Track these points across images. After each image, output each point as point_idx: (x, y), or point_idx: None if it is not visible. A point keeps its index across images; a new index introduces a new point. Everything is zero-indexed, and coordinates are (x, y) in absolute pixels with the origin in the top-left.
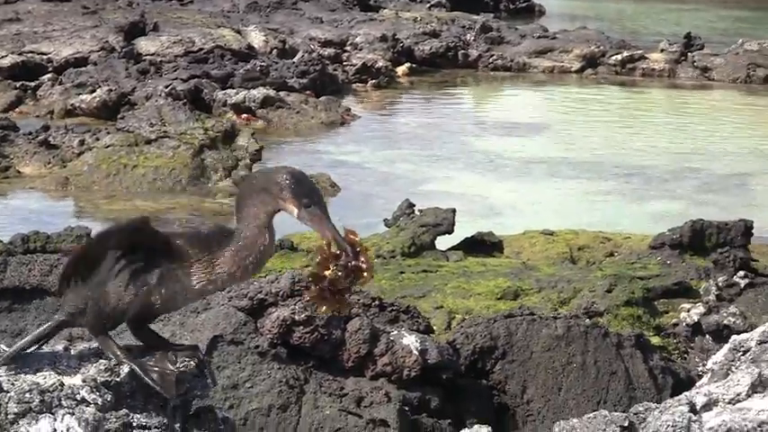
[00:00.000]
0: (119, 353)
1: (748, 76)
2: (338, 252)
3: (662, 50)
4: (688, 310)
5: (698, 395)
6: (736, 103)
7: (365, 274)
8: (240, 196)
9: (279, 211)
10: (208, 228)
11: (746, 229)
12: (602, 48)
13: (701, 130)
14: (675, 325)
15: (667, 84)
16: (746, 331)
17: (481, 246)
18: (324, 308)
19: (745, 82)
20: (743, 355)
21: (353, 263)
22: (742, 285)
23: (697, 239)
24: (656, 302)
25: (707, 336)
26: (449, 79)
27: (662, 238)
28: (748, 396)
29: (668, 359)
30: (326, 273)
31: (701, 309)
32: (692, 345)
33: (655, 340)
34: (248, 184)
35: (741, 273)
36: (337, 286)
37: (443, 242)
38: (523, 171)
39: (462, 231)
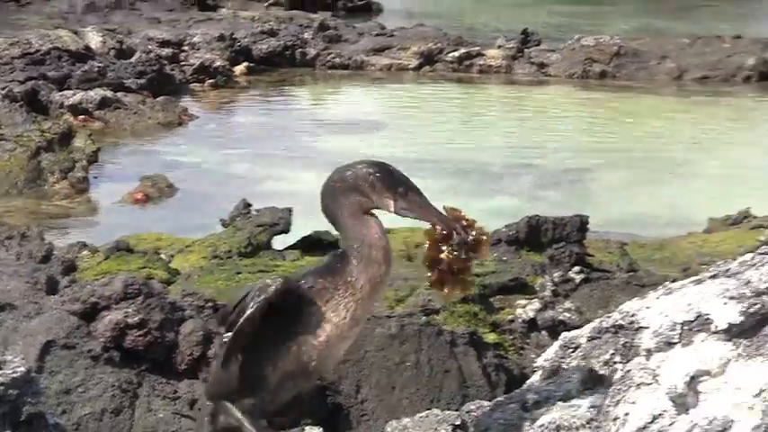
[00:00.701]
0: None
1: (585, 72)
2: (447, 232)
3: (499, 47)
4: (524, 307)
5: (529, 393)
6: (572, 99)
7: (482, 247)
8: (330, 208)
9: (375, 208)
10: (321, 262)
11: (582, 224)
12: (439, 45)
13: (537, 126)
14: (512, 321)
15: (504, 80)
16: (581, 326)
17: (318, 245)
18: (447, 290)
19: (581, 77)
20: (573, 351)
21: (467, 238)
22: (577, 281)
23: (533, 235)
24: (492, 299)
25: (543, 331)
26: (287, 78)
27: (498, 235)
28: (579, 393)
29: (503, 356)
30: (442, 256)
31: (536, 305)
32: (528, 341)
33: (491, 337)
34: (332, 190)
35: (576, 268)
36: (457, 266)
37: (280, 242)
38: None
39: (299, 231)
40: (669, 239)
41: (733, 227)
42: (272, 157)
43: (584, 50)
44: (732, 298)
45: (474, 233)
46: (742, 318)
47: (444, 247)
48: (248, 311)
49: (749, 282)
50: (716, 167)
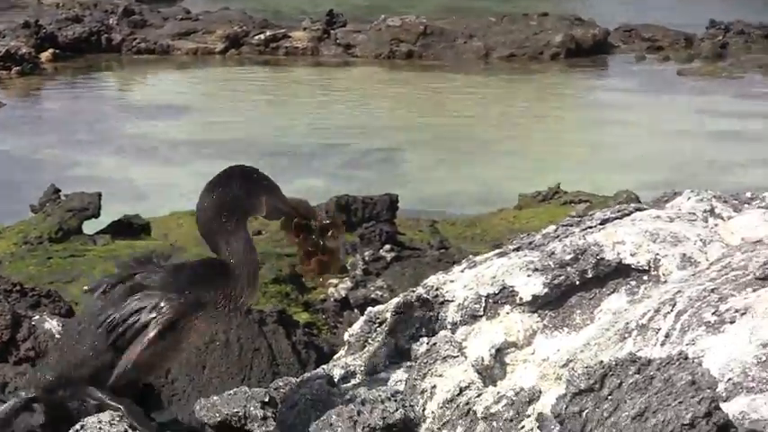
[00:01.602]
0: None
1: (391, 52)
2: (304, 218)
3: (305, 29)
4: (336, 286)
5: (336, 368)
6: (378, 80)
7: (338, 225)
8: (205, 225)
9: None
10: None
11: (392, 203)
12: (244, 28)
13: (345, 106)
14: (324, 300)
15: (311, 62)
16: None
17: (128, 229)
18: (322, 272)
19: (387, 57)
20: (379, 326)
21: (321, 221)
22: (388, 259)
23: (344, 214)
24: (304, 278)
25: (355, 310)
26: (93, 64)
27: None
28: (385, 367)
29: (313, 335)
30: (311, 240)
31: (348, 284)
32: (340, 319)
33: (304, 316)
34: (205, 210)
35: (387, 247)
36: (325, 247)
37: (90, 226)
38: (169, 153)
39: (109, 215)
40: (480, 217)
41: (543, 203)
42: (81, 142)
43: (391, 30)
44: (536, 270)
45: (324, 218)
46: (546, 289)
47: (310, 236)
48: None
49: (553, 253)
50: (525, 144)
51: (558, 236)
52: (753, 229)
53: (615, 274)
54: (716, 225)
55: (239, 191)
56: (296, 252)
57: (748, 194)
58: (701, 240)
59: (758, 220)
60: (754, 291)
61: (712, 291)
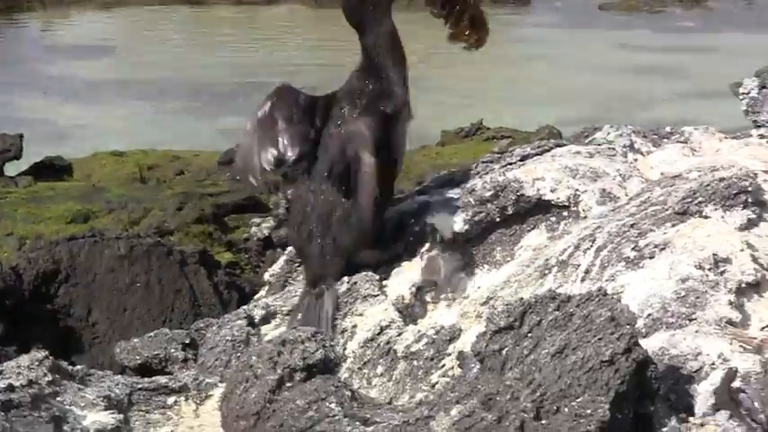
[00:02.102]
0: None
1: None
2: None
3: None
4: (258, 225)
5: (256, 308)
6: (302, 17)
7: None
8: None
9: None
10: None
11: None
12: None
13: (268, 44)
14: (246, 240)
15: (234, 0)
16: None
17: (50, 170)
18: (473, 39)
19: None
20: (299, 266)
21: None
22: None
23: None
24: (226, 218)
25: (278, 249)
26: (14, 5)
27: (230, 154)
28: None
29: (236, 275)
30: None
31: (271, 222)
32: (263, 259)
33: (226, 256)
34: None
35: None
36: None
37: (12, 168)
38: (91, 93)
39: (31, 157)
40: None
41: (466, 139)
42: (2, 84)
43: None
44: (457, 207)
45: None
46: (467, 226)
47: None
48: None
49: (473, 190)
50: (449, 81)
51: (478, 172)
52: (672, 163)
53: (535, 210)
54: (635, 160)
55: None
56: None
57: (667, 129)
58: (620, 175)
59: (677, 155)
60: (674, 225)
61: (632, 226)
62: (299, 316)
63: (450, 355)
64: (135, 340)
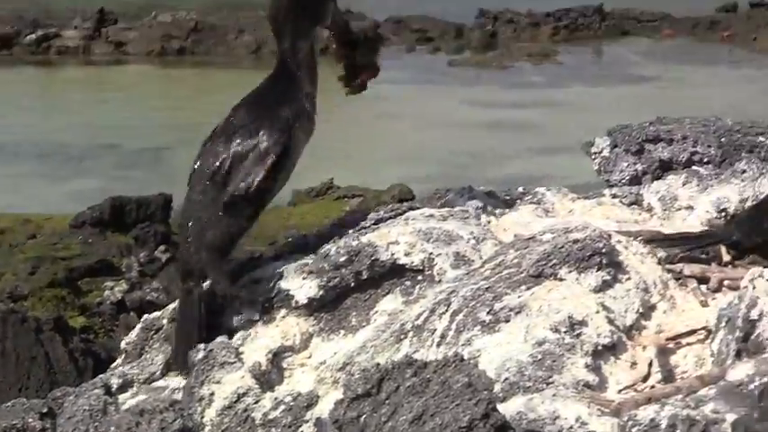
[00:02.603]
0: None
1: (163, 49)
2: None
3: (76, 27)
4: (112, 288)
5: (113, 377)
6: (151, 77)
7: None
8: (276, 20)
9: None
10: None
11: (166, 203)
12: (16, 28)
13: (117, 105)
14: (100, 304)
15: (83, 61)
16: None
17: None
18: (360, 80)
19: (159, 55)
20: (155, 333)
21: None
22: (163, 260)
23: (117, 216)
24: (80, 282)
25: (132, 313)
26: None
27: (82, 217)
28: (163, 375)
29: (90, 340)
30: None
31: (124, 286)
32: (117, 323)
33: (80, 320)
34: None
35: (162, 247)
36: (372, 62)
37: None
38: None
39: None
40: None
41: (317, 198)
42: None
43: (162, 27)
44: (311, 272)
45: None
46: (322, 292)
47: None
48: None
49: (327, 255)
50: None
51: (332, 237)
52: (525, 225)
53: (390, 274)
54: (489, 222)
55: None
56: (342, 69)
57: (520, 189)
58: (474, 238)
59: (530, 216)
60: (528, 288)
61: (486, 289)
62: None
63: (308, 422)
64: None
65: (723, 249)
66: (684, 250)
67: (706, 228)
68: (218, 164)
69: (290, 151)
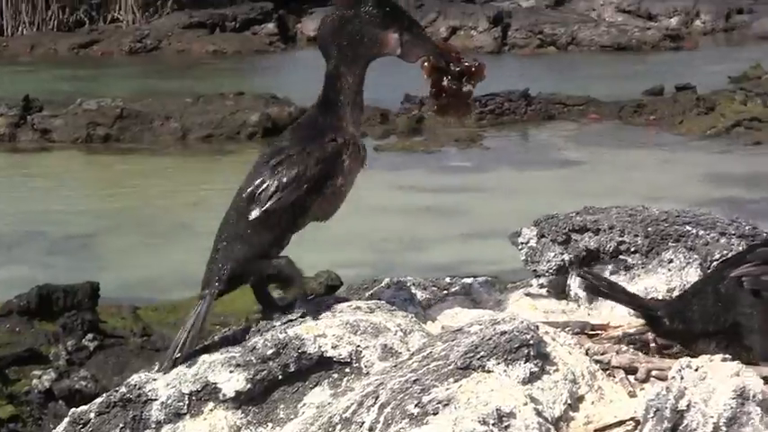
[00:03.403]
0: None
1: (88, 136)
2: (444, 61)
3: (1, 114)
4: (39, 377)
5: None
6: (77, 163)
7: (480, 71)
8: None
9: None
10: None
11: (93, 290)
12: None
13: (44, 192)
14: (28, 392)
15: (8, 148)
16: (99, 394)
17: None
18: (452, 115)
19: (85, 142)
20: (83, 428)
21: (462, 65)
22: (91, 348)
23: (44, 304)
24: (7, 371)
25: (60, 401)
26: None
27: (9, 306)
28: None
29: (16, 430)
30: (443, 83)
31: (52, 374)
32: (45, 411)
33: (8, 410)
34: (337, 29)
35: (90, 335)
36: (459, 92)
37: None
38: None
39: None
40: (181, 301)
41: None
42: None
43: (88, 114)
44: (239, 365)
45: (467, 62)
46: (249, 385)
47: (445, 77)
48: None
49: (254, 348)
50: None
51: (259, 330)
52: (453, 316)
53: (318, 367)
54: (416, 314)
55: (366, 23)
56: (428, 90)
57: (447, 279)
58: (401, 330)
59: (458, 308)
60: (456, 381)
61: (414, 382)
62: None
63: None
64: None
65: (651, 338)
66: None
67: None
68: (256, 183)
69: (328, 176)
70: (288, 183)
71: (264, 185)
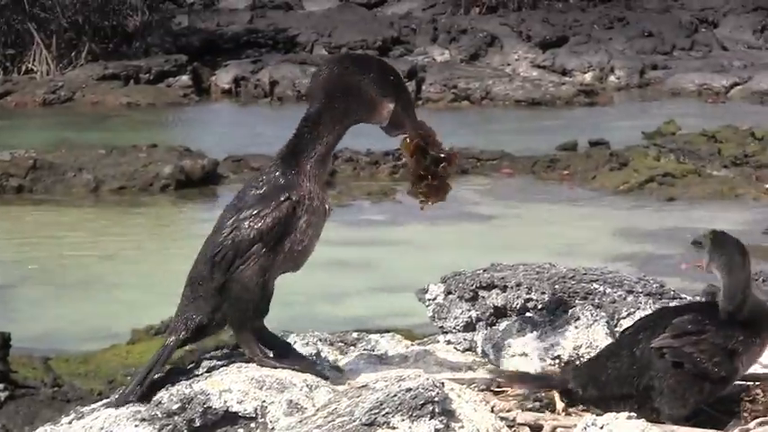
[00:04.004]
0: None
1: (1, 187)
2: (427, 144)
3: None
4: None
5: None
6: None
7: (454, 160)
8: (314, 92)
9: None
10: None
11: (4, 340)
12: None
13: None
14: None
15: None
16: None
17: None
18: (431, 198)
19: None
20: None
21: (443, 150)
22: (2, 398)
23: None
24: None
25: None
26: None
27: None
28: None
29: None
30: (425, 165)
31: None
32: None
33: None
34: (335, 78)
35: (1, 385)
36: (438, 176)
37: None
38: None
39: None
40: (93, 353)
41: (157, 336)
42: None
43: (0, 165)
44: (143, 420)
45: (446, 147)
46: None
47: (426, 158)
48: None
49: (160, 403)
50: (138, 277)
51: (164, 385)
52: (358, 372)
53: (223, 422)
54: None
55: (365, 83)
56: (407, 172)
57: (354, 335)
58: (307, 386)
59: (364, 364)
60: None
61: None
62: None
63: None
64: None
65: (557, 397)
66: (520, 387)
67: (543, 373)
68: (215, 249)
69: (285, 235)
70: (246, 248)
71: (224, 253)
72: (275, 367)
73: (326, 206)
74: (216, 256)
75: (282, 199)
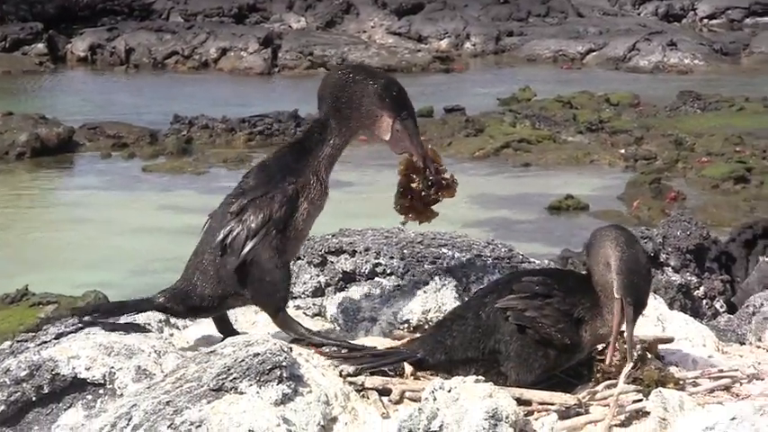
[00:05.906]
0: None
1: None
2: (422, 167)
3: None
4: None
5: None
6: None
7: (452, 189)
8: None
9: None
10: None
11: None
12: None
13: None
14: None
15: None
16: None
17: None
18: (411, 217)
19: None
20: None
21: (437, 177)
22: None
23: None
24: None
25: None
26: None
27: None
28: None
29: None
30: (413, 185)
31: None
32: None
33: None
34: (341, 84)
35: None
36: (424, 199)
37: None
38: None
39: None
40: None
41: (12, 305)
42: None
43: None
44: None
45: (445, 176)
46: (3, 407)
47: (417, 179)
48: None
49: (8, 370)
50: None
51: (13, 352)
52: (207, 338)
53: (72, 388)
54: (171, 335)
55: (368, 94)
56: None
57: None
58: (155, 352)
59: (213, 330)
60: (209, 402)
61: (167, 403)
62: None
63: None
64: None
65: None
66: (371, 367)
67: (391, 347)
68: (224, 233)
69: (290, 218)
70: (257, 228)
71: (234, 235)
72: (322, 344)
73: (322, 199)
74: (226, 239)
75: (287, 183)
